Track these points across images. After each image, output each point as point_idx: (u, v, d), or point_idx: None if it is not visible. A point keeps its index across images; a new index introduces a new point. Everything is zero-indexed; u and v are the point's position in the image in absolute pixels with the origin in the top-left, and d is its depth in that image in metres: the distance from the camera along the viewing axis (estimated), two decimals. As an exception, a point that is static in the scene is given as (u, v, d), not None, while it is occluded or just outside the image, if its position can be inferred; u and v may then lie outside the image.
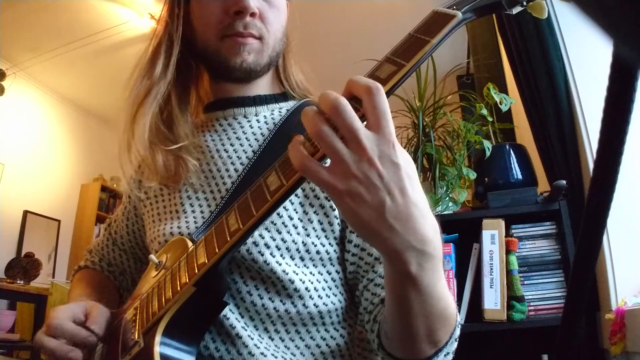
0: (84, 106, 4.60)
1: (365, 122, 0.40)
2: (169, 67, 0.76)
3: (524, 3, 0.48)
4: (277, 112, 0.80)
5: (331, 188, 0.40)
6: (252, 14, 0.72)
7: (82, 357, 0.61)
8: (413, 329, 0.49)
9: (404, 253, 0.41)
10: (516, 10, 0.48)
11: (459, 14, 0.44)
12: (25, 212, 3.94)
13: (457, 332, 0.56)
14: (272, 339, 0.65)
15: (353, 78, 0.41)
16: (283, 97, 0.84)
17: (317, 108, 0.41)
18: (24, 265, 3.63)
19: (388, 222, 0.40)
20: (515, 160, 1.57)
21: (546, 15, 0.48)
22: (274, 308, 0.65)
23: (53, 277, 3.97)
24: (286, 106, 0.82)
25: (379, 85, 0.40)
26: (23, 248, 3.84)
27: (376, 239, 0.41)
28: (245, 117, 0.80)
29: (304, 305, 0.66)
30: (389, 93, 0.42)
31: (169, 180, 0.75)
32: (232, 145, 0.77)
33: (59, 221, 4.32)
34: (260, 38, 0.74)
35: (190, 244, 0.63)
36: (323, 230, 0.68)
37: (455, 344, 0.56)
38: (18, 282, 3.50)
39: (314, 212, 0.68)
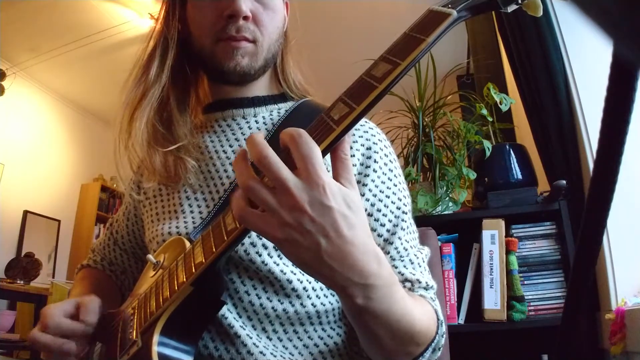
0: (84, 106, 4.60)
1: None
2: (164, 70, 0.76)
3: (519, 1, 0.47)
4: (275, 113, 0.80)
5: (270, 236, 0.42)
6: (245, 18, 0.71)
7: (76, 347, 0.63)
8: (381, 347, 0.52)
9: (347, 289, 0.44)
10: (511, 8, 0.48)
11: (454, 13, 0.43)
12: (25, 212, 3.95)
13: (441, 341, 0.57)
14: (270, 339, 0.65)
15: (283, 131, 0.42)
16: (282, 97, 0.83)
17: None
18: (24, 265, 3.63)
19: (326, 262, 0.42)
20: (515, 160, 1.56)
21: (541, 14, 0.48)
22: (272, 307, 0.65)
23: (53, 277, 3.97)
24: (285, 107, 0.82)
25: (301, 131, 0.41)
26: (23, 248, 3.84)
27: (319, 277, 0.44)
28: (243, 118, 0.80)
29: (301, 304, 0.66)
30: (384, 92, 0.42)
31: (168, 180, 0.76)
32: (230, 146, 0.77)
33: (59, 221, 4.32)
34: (254, 41, 0.74)
35: (188, 243, 0.63)
36: None
37: (439, 353, 0.58)
38: (18, 282, 3.50)
39: None
